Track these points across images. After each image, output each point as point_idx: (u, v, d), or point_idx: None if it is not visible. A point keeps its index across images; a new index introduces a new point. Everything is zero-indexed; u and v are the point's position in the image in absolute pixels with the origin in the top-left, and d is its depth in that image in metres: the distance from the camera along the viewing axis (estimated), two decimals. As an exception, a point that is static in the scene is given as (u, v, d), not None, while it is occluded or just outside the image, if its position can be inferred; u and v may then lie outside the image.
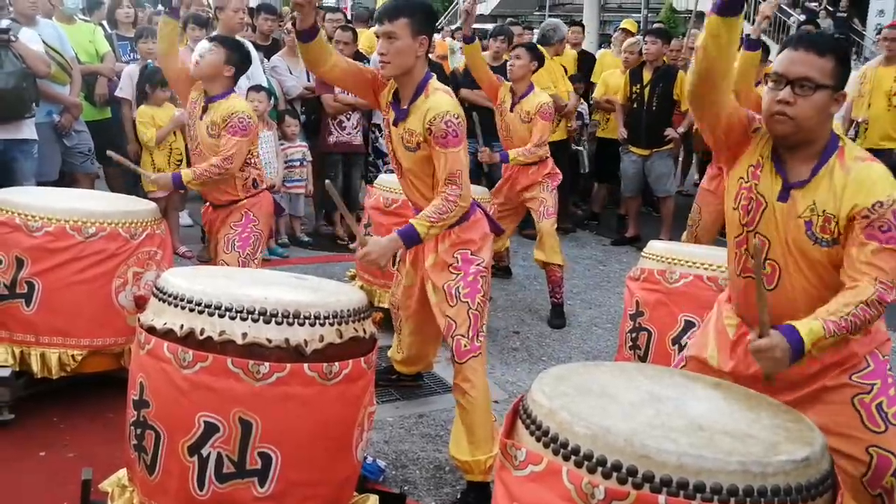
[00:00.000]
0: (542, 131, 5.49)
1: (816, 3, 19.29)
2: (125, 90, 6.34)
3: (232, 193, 4.28)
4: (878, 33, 8.81)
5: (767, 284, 2.39)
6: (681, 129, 7.43)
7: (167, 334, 2.50)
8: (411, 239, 3.17)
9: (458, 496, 3.32)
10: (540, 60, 5.73)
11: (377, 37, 3.25)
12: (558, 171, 5.74)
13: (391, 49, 3.14)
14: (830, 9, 18.98)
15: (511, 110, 5.60)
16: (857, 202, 2.32)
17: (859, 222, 2.31)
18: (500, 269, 6.26)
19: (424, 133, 3.17)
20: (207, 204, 4.46)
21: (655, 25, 13.44)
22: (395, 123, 3.30)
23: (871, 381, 2.44)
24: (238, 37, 6.26)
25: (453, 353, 3.28)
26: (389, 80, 3.31)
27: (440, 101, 3.18)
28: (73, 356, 3.71)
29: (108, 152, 4.33)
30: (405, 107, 3.26)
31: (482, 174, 7.22)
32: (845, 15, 18.61)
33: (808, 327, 2.19)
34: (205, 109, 4.22)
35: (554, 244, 5.58)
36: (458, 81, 7.72)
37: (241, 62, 4.29)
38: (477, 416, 3.25)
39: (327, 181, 3.37)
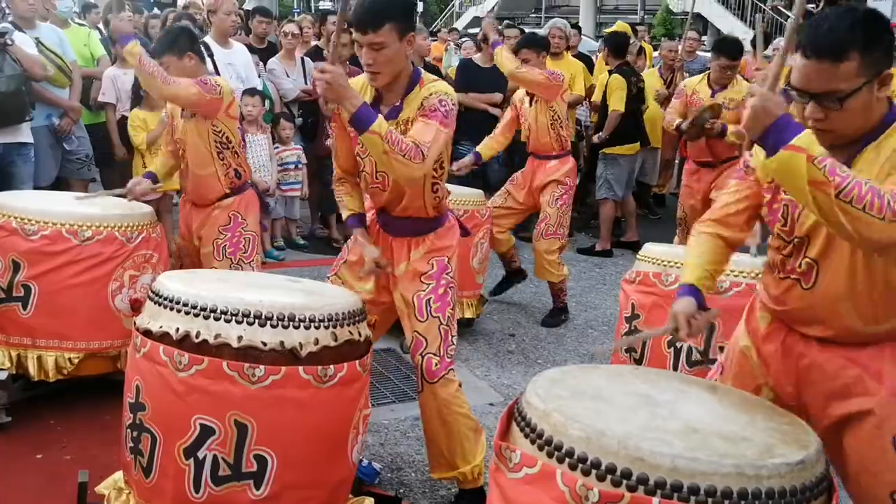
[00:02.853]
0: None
1: (814, 6, 19.32)
2: (108, 94, 6.33)
3: (217, 189, 4.19)
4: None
5: (805, 283, 2.22)
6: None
7: (163, 337, 2.51)
8: (365, 115, 2.72)
9: (453, 499, 3.32)
10: (546, 48, 5.75)
11: (359, 45, 2.94)
12: (575, 174, 5.78)
13: (380, 59, 2.88)
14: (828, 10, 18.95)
15: (531, 105, 5.57)
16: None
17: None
18: (513, 271, 6.10)
19: (416, 114, 2.94)
20: (183, 199, 4.42)
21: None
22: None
23: None
24: (231, 40, 6.30)
25: (423, 373, 3.06)
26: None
27: (440, 85, 3.01)
28: (69, 359, 3.72)
29: None
30: (398, 103, 3.01)
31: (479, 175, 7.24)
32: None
33: (809, 139, 1.94)
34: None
35: (547, 263, 5.54)
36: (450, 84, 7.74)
37: (191, 44, 4.23)
38: (462, 426, 3.13)
39: None
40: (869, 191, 1.88)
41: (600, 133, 7.46)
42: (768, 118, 1.95)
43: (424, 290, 3.11)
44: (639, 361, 3.70)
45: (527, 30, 13.02)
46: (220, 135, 4.10)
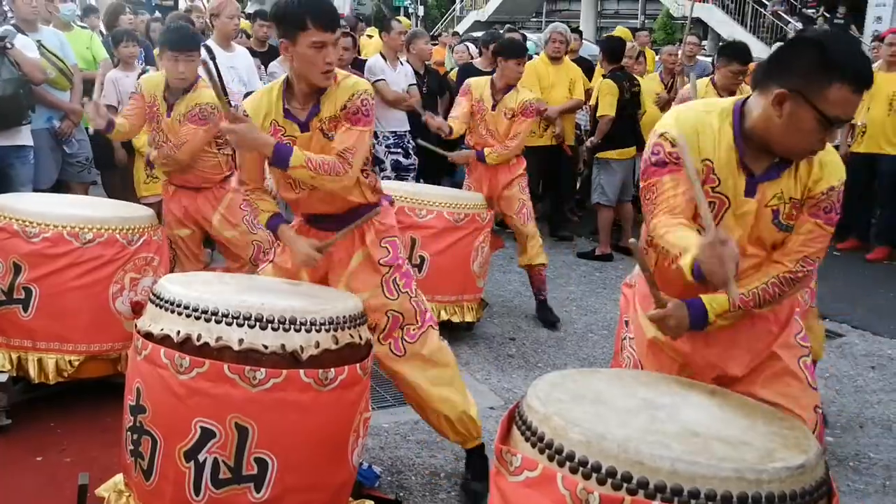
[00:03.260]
0: (524, 129, 5.49)
1: (814, 11, 19.38)
2: (109, 97, 6.33)
3: (220, 171, 4.58)
4: (875, 39, 8.82)
5: None
6: None
7: (164, 340, 2.51)
8: (281, 155, 2.87)
9: (462, 480, 3.45)
10: (522, 53, 5.66)
11: (322, 46, 2.91)
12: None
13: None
14: (828, 15, 19.06)
15: (493, 108, 5.53)
16: (820, 186, 2.31)
17: (807, 202, 2.33)
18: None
19: (338, 113, 3.01)
20: (175, 188, 4.60)
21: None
22: (305, 128, 3.06)
23: (807, 343, 2.59)
24: (234, 43, 6.31)
25: (404, 342, 3.19)
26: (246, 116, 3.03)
27: (357, 81, 3.08)
28: (70, 361, 3.72)
29: None
30: (315, 104, 3.04)
31: (445, 175, 7.26)
32: (842, 21, 18.68)
33: (715, 300, 2.34)
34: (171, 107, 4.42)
35: (539, 246, 5.65)
36: (451, 87, 7.76)
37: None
38: (451, 376, 3.29)
39: None
40: (772, 287, 2.38)
41: (592, 138, 7.46)
42: (684, 328, 2.35)
43: (388, 273, 3.20)
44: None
45: (528, 34, 13.07)
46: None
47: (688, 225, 2.27)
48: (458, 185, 6.13)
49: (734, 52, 5.64)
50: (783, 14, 20.42)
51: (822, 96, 2.12)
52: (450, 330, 4.11)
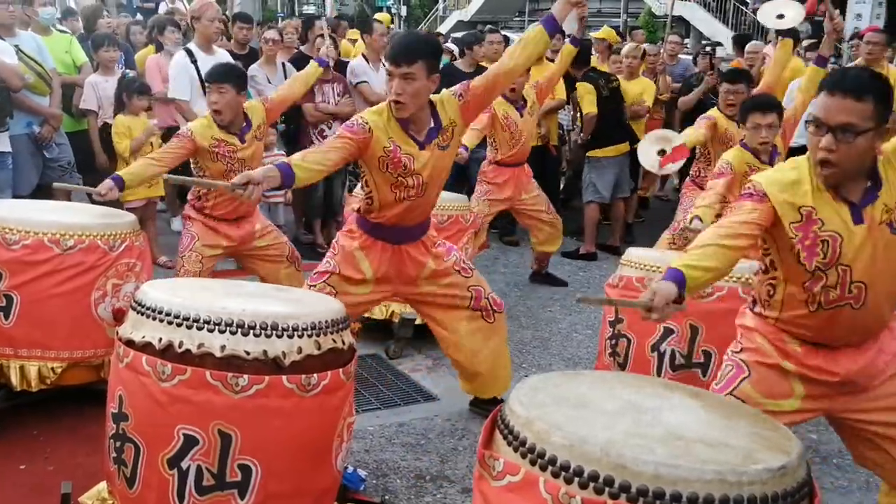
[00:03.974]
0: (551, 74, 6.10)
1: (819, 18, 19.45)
2: (89, 101, 6.31)
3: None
4: (855, 37, 8.87)
5: (856, 304, 2.52)
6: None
7: (146, 347, 2.50)
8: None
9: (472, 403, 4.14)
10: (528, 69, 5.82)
11: (391, 76, 3.36)
12: None
13: (409, 90, 3.30)
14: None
15: (521, 115, 5.88)
16: None
17: None
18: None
19: (458, 111, 3.50)
20: (217, 218, 4.59)
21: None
22: (424, 146, 3.47)
23: None
24: (215, 46, 6.29)
25: (492, 307, 3.84)
26: (370, 130, 3.38)
27: (444, 93, 3.54)
28: (52, 369, 3.69)
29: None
30: (432, 125, 3.48)
31: (463, 179, 7.27)
32: (822, 19, 18.77)
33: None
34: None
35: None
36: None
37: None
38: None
39: None
40: None
41: (581, 135, 7.45)
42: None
43: (455, 260, 3.79)
44: (622, 366, 3.72)
45: (511, 34, 13.05)
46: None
47: (722, 249, 2.44)
48: (470, 191, 6.35)
49: (742, 78, 5.67)
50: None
51: (813, 105, 2.47)
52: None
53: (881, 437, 2.68)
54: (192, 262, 4.49)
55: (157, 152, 4.61)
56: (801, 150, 6.99)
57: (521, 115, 5.91)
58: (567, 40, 5.83)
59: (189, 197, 4.67)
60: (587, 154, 7.44)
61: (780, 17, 5.75)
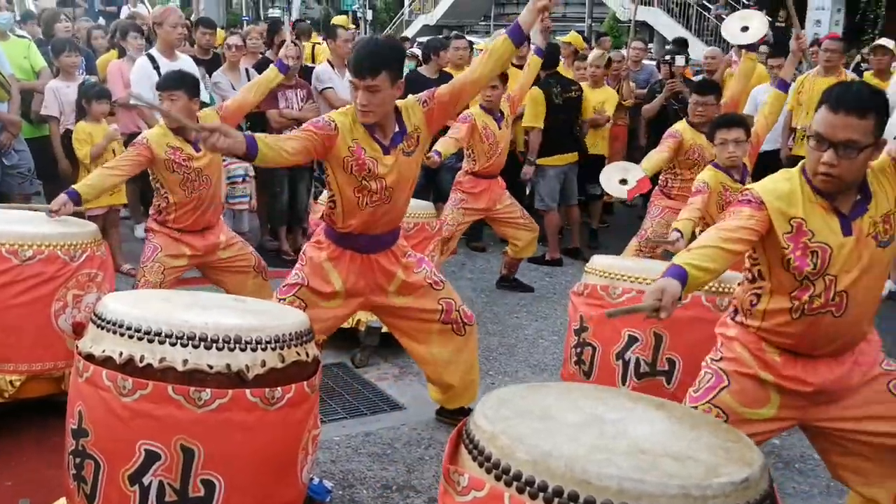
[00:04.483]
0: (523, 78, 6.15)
1: (780, 22, 19.76)
2: (51, 107, 6.22)
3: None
4: (814, 44, 8.99)
5: (837, 312, 2.58)
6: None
7: (106, 362, 2.47)
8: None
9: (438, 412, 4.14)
10: (506, 80, 6.03)
11: (355, 87, 3.36)
12: None
13: (374, 101, 3.31)
14: (769, 19, 19.42)
15: (500, 127, 6.00)
16: (891, 177, 2.59)
17: None
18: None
19: (423, 118, 3.51)
20: (181, 230, 4.53)
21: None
22: (389, 151, 3.45)
23: (892, 366, 2.78)
24: (178, 52, 6.23)
25: (463, 320, 3.81)
26: (336, 129, 3.37)
27: (410, 99, 3.55)
28: (10, 382, 3.63)
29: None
30: (398, 130, 3.47)
31: (430, 186, 7.27)
32: (783, 25, 19.06)
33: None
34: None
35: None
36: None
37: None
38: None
39: None
40: None
41: (529, 156, 7.36)
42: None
43: (426, 272, 3.75)
44: (588, 374, 3.73)
45: (475, 39, 13.08)
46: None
47: (722, 252, 2.49)
48: (438, 198, 6.47)
49: (711, 89, 5.71)
50: (726, 17, 20.76)
51: (815, 120, 2.51)
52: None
53: (851, 440, 2.75)
54: (153, 273, 4.43)
55: (112, 161, 4.57)
56: (770, 154, 7.11)
57: (500, 127, 6.00)
58: (532, 50, 5.86)
59: (151, 211, 4.62)
60: (536, 161, 7.44)
61: (745, 29, 5.80)
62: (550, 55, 7.37)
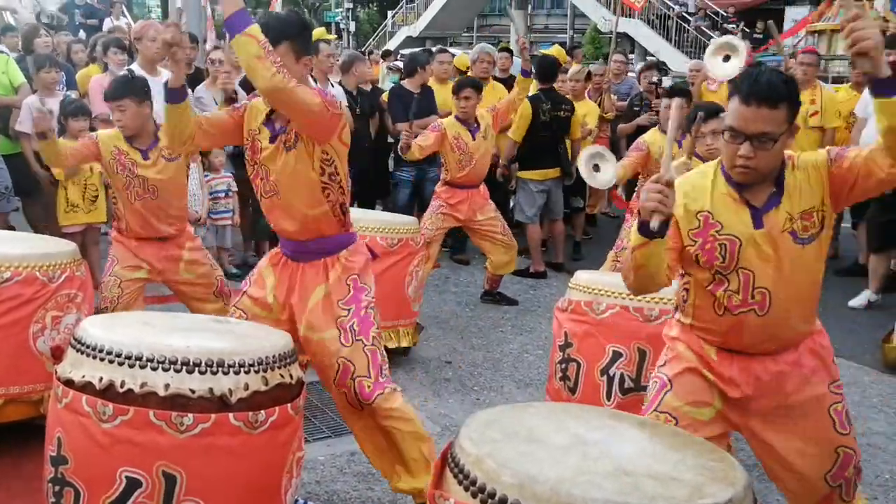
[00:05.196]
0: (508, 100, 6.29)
1: (734, 26, 19.98)
2: (25, 124, 6.15)
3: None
4: (792, 56, 9.08)
5: (760, 311, 2.55)
6: None
7: (85, 387, 2.43)
8: (242, 20, 2.81)
9: None
10: (480, 90, 6.12)
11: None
12: None
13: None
14: (747, 30, 19.68)
15: (474, 138, 6.01)
16: (820, 163, 2.53)
17: (836, 163, 2.51)
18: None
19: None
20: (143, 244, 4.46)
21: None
22: (275, 139, 3.12)
23: (840, 391, 2.74)
24: (160, 67, 6.20)
25: (357, 396, 3.06)
26: (245, 108, 3.23)
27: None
28: (-13, 405, 3.58)
29: None
30: (285, 123, 3.13)
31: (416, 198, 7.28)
32: (761, 37, 19.28)
33: None
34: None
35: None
36: (382, 108, 7.73)
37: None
38: (407, 444, 3.13)
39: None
40: None
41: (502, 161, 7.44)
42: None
43: (347, 316, 3.13)
44: (573, 390, 3.73)
45: (458, 51, 13.10)
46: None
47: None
48: (424, 206, 6.53)
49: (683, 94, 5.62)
50: (705, 29, 21.07)
51: (728, 113, 2.50)
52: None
53: (787, 461, 2.72)
54: (109, 288, 4.38)
55: (68, 145, 4.50)
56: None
57: (474, 138, 5.99)
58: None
59: (112, 220, 4.63)
60: (517, 173, 7.47)
61: (727, 59, 5.88)
62: (544, 69, 7.38)
